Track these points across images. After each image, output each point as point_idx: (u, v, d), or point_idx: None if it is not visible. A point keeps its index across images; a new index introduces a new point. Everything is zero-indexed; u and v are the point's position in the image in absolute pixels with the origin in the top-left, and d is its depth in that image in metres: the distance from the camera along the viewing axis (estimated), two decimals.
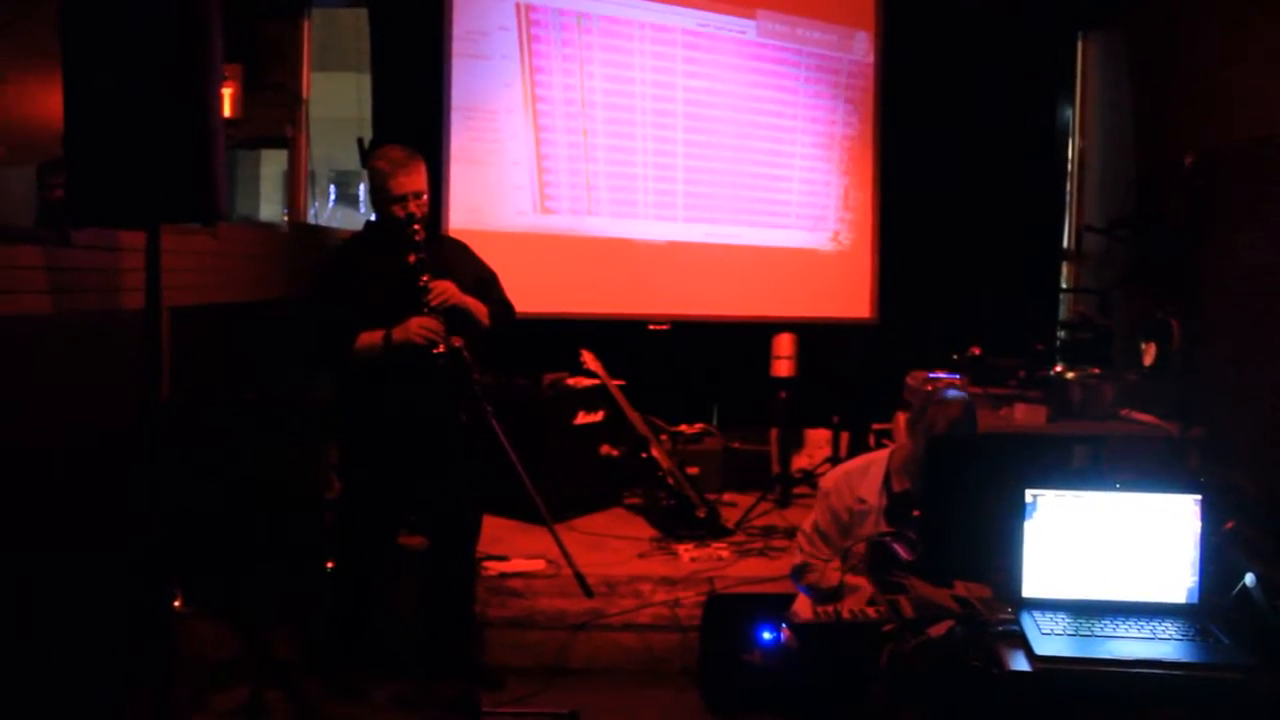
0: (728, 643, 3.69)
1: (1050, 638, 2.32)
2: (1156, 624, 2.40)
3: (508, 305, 3.74)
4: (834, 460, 5.78)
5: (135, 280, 3.37)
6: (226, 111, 4.58)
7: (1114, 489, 2.51)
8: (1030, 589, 2.50)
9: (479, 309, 3.56)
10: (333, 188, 10.53)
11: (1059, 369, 4.66)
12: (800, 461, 6.21)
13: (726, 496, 5.60)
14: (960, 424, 3.24)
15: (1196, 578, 2.48)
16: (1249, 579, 2.38)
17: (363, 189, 10.18)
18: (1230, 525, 2.68)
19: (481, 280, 3.68)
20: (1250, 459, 4.30)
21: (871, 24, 6.18)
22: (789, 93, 6.14)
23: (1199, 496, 2.49)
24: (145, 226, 3.21)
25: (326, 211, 10.44)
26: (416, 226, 3.44)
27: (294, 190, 6.39)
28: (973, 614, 2.45)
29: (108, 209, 3.09)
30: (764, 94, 6.11)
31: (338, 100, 8.78)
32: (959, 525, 2.67)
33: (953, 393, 3.36)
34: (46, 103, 3.16)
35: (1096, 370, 4.61)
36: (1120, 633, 2.36)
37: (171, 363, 3.71)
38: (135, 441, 3.39)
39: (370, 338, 3.41)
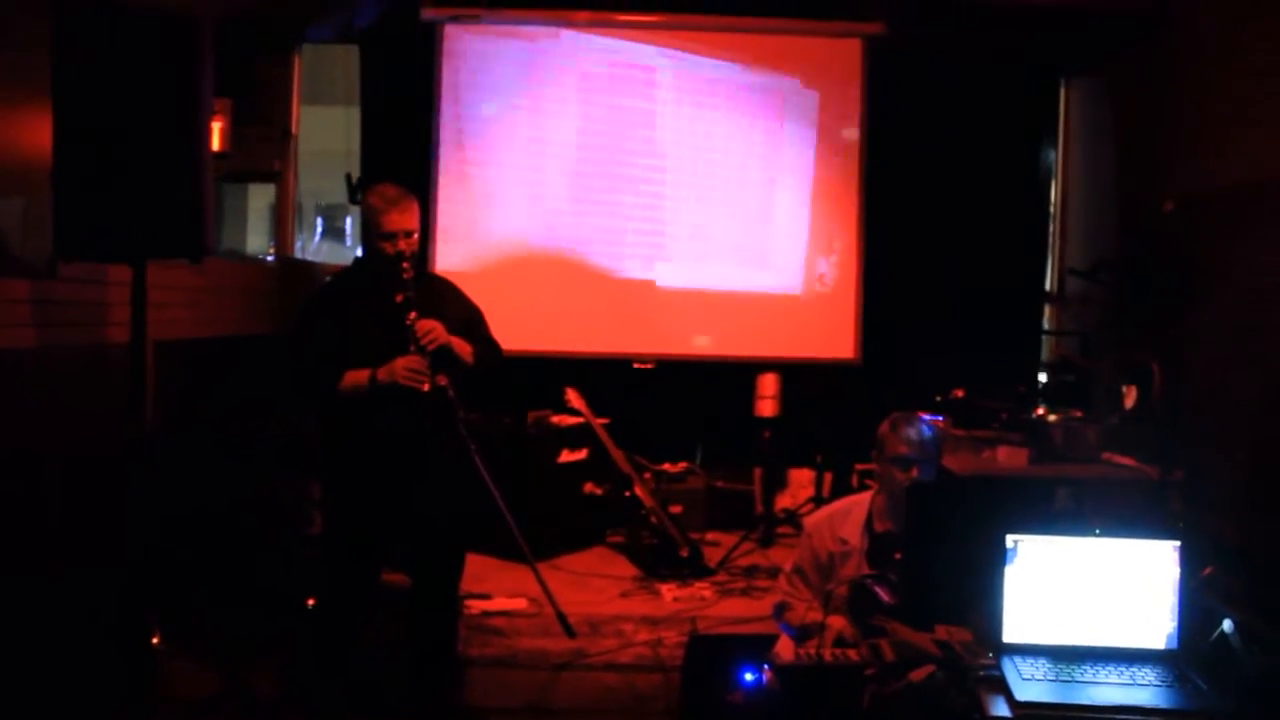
0: (710, 683, 3.66)
1: (1031, 683, 2.33)
2: (1136, 670, 2.40)
3: (494, 344, 3.74)
4: (817, 500, 5.79)
5: (121, 314, 3.37)
6: (215, 145, 4.58)
7: (1094, 535, 2.52)
8: (1011, 634, 2.50)
9: (464, 349, 3.56)
10: (320, 221, 10.53)
11: (1041, 411, 4.67)
12: (783, 501, 6.20)
13: (710, 535, 5.60)
14: (917, 446, 3.25)
15: (1176, 624, 2.49)
16: (1227, 625, 2.39)
17: (349, 223, 10.20)
18: (1209, 571, 2.69)
19: (469, 320, 3.68)
20: (1230, 504, 4.32)
21: (857, 68, 6.24)
22: (774, 135, 6.19)
23: (1178, 543, 2.51)
24: (132, 261, 3.22)
25: (313, 245, 10.44)
26: (405, 265, 3.45)
27: (281, 224, 6.40)
28: (954, 658, 2.46)
29: (95, 243, 3.10)
30: (750, 137, 6.16)
31: (326, 133, 8.82)
32: (940, 569, 2.67)
33: (907, 418, 3.36)
34: (35, 135, 3.17)
35: (1079, 413, 4.62)
36: (1100, 678, 2.37)
37: (156, 396, 3.70)
38: (119, 474, 3.38)
39: (356, 377, 3.39)
